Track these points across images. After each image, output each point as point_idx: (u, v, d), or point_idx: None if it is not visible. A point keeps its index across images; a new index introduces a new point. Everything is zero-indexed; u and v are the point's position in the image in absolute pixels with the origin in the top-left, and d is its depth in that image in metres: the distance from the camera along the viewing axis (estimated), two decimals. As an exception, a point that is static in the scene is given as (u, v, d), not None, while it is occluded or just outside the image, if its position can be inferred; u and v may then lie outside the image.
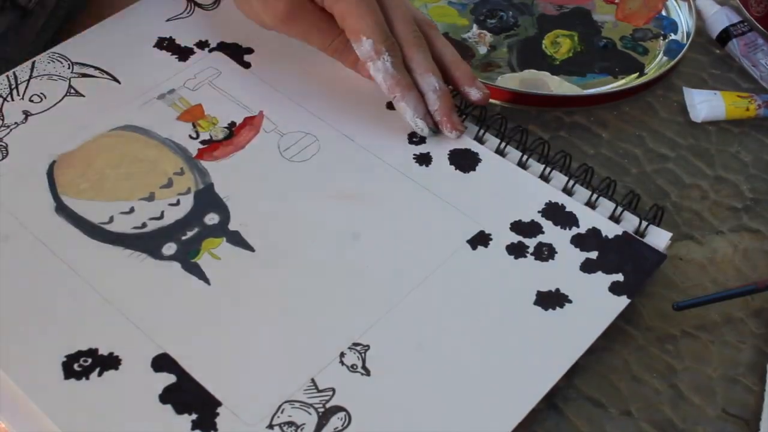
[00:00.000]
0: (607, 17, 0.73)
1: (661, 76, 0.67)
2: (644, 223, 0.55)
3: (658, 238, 0.55)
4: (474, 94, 0.59)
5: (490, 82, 0.65)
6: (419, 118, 0.58)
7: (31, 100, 0.59)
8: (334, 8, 0.57)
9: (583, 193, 0.57)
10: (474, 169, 0.57)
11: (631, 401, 0.51)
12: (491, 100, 0.63)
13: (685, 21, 0.72)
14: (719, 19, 0.72)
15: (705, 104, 0.65)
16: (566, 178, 0.57)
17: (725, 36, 0.71)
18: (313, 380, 0.47)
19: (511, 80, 0.67)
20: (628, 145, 0.64)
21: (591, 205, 0.56)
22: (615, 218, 0.56)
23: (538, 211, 0.55)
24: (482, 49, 0.69)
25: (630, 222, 0.55)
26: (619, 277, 0.52)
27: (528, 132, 0.59)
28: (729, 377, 0.52)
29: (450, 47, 0.61)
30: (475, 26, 0.71)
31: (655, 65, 0.69)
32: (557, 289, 0.52)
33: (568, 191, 0.57)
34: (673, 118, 0.67)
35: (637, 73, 0.68)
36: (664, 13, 0.73)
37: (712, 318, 0.55)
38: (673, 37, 0.71)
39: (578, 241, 0.54)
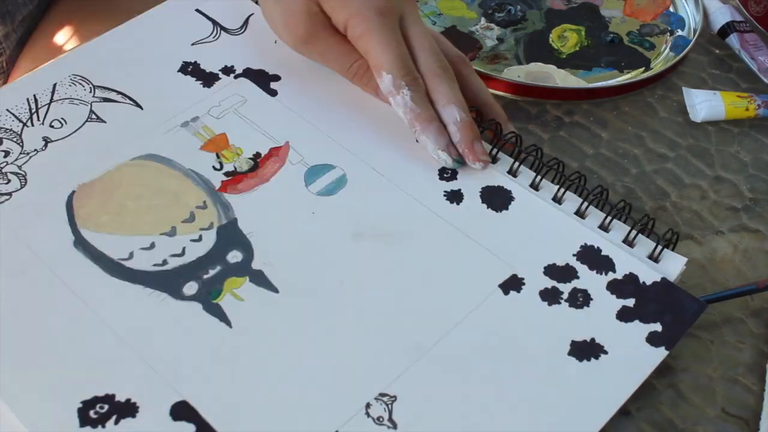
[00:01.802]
0: (615, 12, 0.74)
1: (666, 71, 0.68)
2: (659, 248, 0.53)
3: (673, 262, 0.53)
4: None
5: (497, 74, 0.66)
6: (441, 149, 0.56)
7: (51, 126, 0.57)
8: (357, 42, 0.57)
9: (619, 230, 0.55)
10: (507, 208, 0.56)
11: (630, 401, 0.49)
12: (499, 93, 0.65)
13: (692, 16, 0.74)
14: (722, 14, 0.73)
15: (704, 104, 0.65)
16: (603, 215, 0.55)
17: (726, 30, 0.72)
18: (338, 433, 0.45)
19: (517, 72, 0.68)
20: (628, 145, 0.65)
21: (604, 228, 0.54)
22: (629, 242, 0.54)
23: (573, 254, 0.53)
24: (489, 42, 0.70)
25: (644, 246, 0.54)
26: (657, 326, 0.50)
27: (564, 164, 0.57)
28: (729, 377, 0.52)
29: (482, 85, 0.60)
30: (483, 19, 0.72)
31: (661, 60, 0.70)
32: (593, 339, 0.50)
33: (605, 228, 0.55)
34: (672, 118, 0.67)
35: (643, 68, 0.69)
36: (672, 9, 0.74)
37: (711, 318, 0.54)
38: (680, 33, 0.72)
39: (614, 288, 0.52)
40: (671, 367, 0.52)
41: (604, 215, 0.55)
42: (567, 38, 0.71)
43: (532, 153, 0.57)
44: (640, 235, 0.54)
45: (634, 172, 0.62)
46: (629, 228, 0.54)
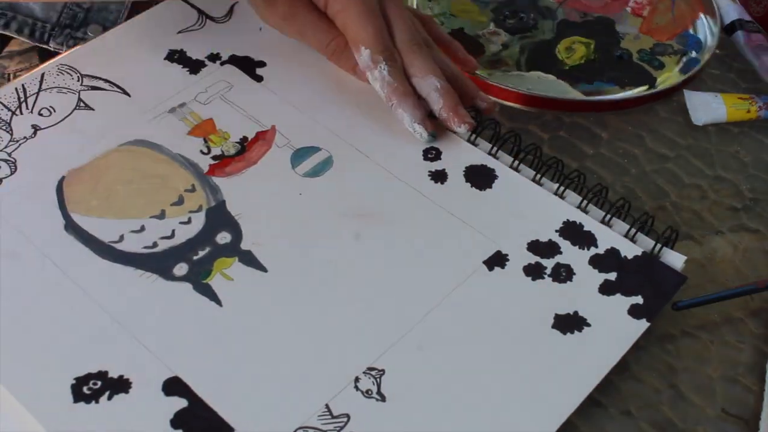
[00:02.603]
0: (631, 29, 0.73)
1: (669, 90, 0.67)
2: (658, 246, 0.54)
3: (673, 260, 0.54)
4: (479, 104, 0.60)
5: (491, 78, 0.66)
6: (417, 123, 0.57)
7: (40, 114, 0.58)
8: (336, 18, 0.58)
9: (597, 212, 0.56)
10: (490, 187, 0.56)
11: (631, 401, 0.50)
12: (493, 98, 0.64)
13: (710, 38, 0.71)
14: (733, 10, 0.73)
15: (706, 107, 0.65)
16: (580, 198, 0.56)
17: (734, 26, 0.72)
18: (327, 406, 0.46)
19: (513, 78, 0.67)
20: (628, 145, 0.65)
21: (606, 224, 0.55)
22: (629, 238, 0.55)
23: (556, 230, 0.54)
24: (494, 47, 0.70)
25: (643, 244, 0.54)
26: (639, 299, 0.51)
27: (563, 163, 0.58)
28: (729, 377, 0.52)
29: (449, 60, 0.61)
30: (492, 24, 0.71)
31: (667, 79, 0.68)
32: (575, 312, 0.51)
33: (582, 209, 0.56)
34: (672, 118, 0.67)
35: (647, 86, 0.68)
36: (691, 30, 0.72)
37: (711, 318, 0.54)
38: (694, 55, 0.70)
39: (597, 262, 0.53)
40: (671, 367, 0.52)
41: (604, 213, 0.56)
42: (574, 50, 0.70)
43: (531, 152, 0.58)
44: (639, 233, 0.55)
45: (634, 172, 0.62)
46: (629, 226, 0.55)
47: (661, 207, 0.60)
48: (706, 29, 0.72)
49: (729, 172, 0.63)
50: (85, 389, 0.45)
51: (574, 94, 0.67)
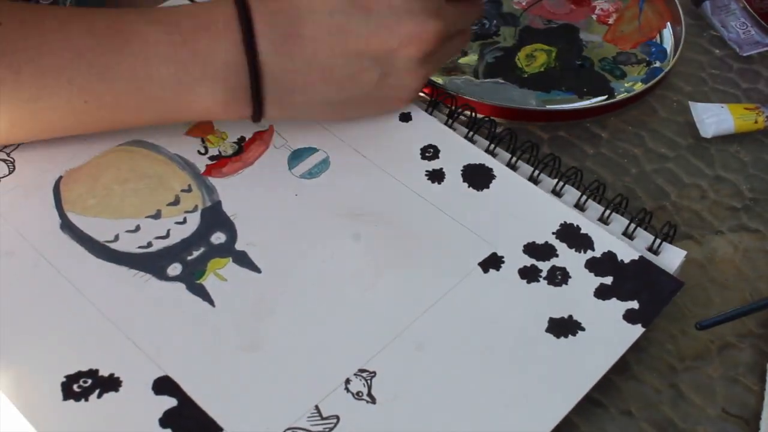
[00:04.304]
0: (595, 37, 0.71)
1: (629, 99, 0.66)
2: (658, 241, 0.54)
3: (673, 255, 0.54)
4: None
5: (449, 86, 0.65)
6: None
7: (39, 113, 0.58)
8: None
9: (595, 208, 0.56)
10: (488, 187, 0.56)
11: (631, 401, 0.50)
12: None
13: (673, 49, 0.70)
14: None
15: (713, 119, 0.65)
16: (579, 193, 0.56)
17: None
18: (317, 407, 0.46)
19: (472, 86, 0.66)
20: (628, 144, 0.64)
21: (604, 220, 0.55)
22: (629, 235, 0.55)
23: (553, 233, 0.54)
24: None
25: (644, 239, 0.54)
26: (634, 304, 0.51)
27: (560, 159, 0.58)
28: (729, 377, 0.52)
29: None
30: None
31: (626, 90, 0.67)
32: (570, 316, 0.50)
33: (580, 206, 0.55)
34: (672, 117, 0.67)
35: (606, 96, 0.66)
36: (657, 40, 0.71)
37: None
38: (658, 64, 0.69)
39: (593, 266, 0.53)
40: (672, 366, 0.52)
41: (603, 209, 0.56)
42: (535, 58, 0.69)
43: (527, 150, 0.58)
44: (639, 228, 0.55)
45: (633, 172, 0.62)
46: (628, 221, 0.55)
47: (661, 207, 0.60)
48: (671, 38, 0.71)
49: (729, 172, 0.63)
50: (75, 387, 0.46)
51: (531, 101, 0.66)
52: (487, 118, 0.59)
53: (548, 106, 0.65)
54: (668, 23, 0.72)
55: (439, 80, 0.66)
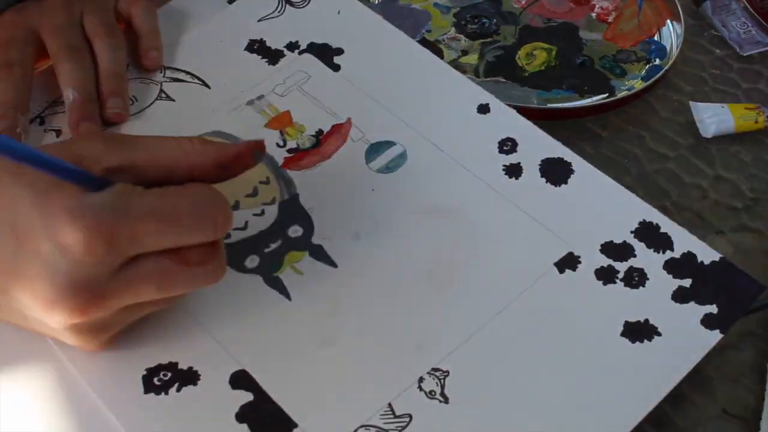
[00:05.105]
0: (594, 36, 0.71)
1: (625, 99, 0.65)
2: None
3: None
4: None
5: None
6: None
7: (124, 103, 0.59)
8: None
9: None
10: (566, 182, 0.56)
11: None
12: None
13: (675, 46, 0.69)
14: None
15: (714, 119, 0.64)
16: None
17: None
18: (390, 405, 0.46)
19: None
20: (628, 144, 0.64)
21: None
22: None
23: (631, 232, 0.53)
24: (452, 54, 0.68)
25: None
26: (713, 308, 0.50)
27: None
28: (729, 377, 0.52)
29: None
30: (453, 29, 0.70)
31: (627, 88, 0.66)
32: (646, 320, 0.50)
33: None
34: (673, 117, 0.66)
35: (607, 94, 0.66)
36: (657, 38, 0.70)
37: None
38: (658, 62, 0.68)
39: (671, 267, 0.52)
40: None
41: None
42: (535, 56, 0.68)
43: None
44: None
45: (634, 172, 0.62)
46: None
47: (662, 207, 0.59)
48: (672, 36, 0.70)
49: (729, 172, 0.63)
50: (155, 380, 0.47)
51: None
52: None
53: (549, 105, 0.65)
54: (668, 21, 0.71)
55: None
